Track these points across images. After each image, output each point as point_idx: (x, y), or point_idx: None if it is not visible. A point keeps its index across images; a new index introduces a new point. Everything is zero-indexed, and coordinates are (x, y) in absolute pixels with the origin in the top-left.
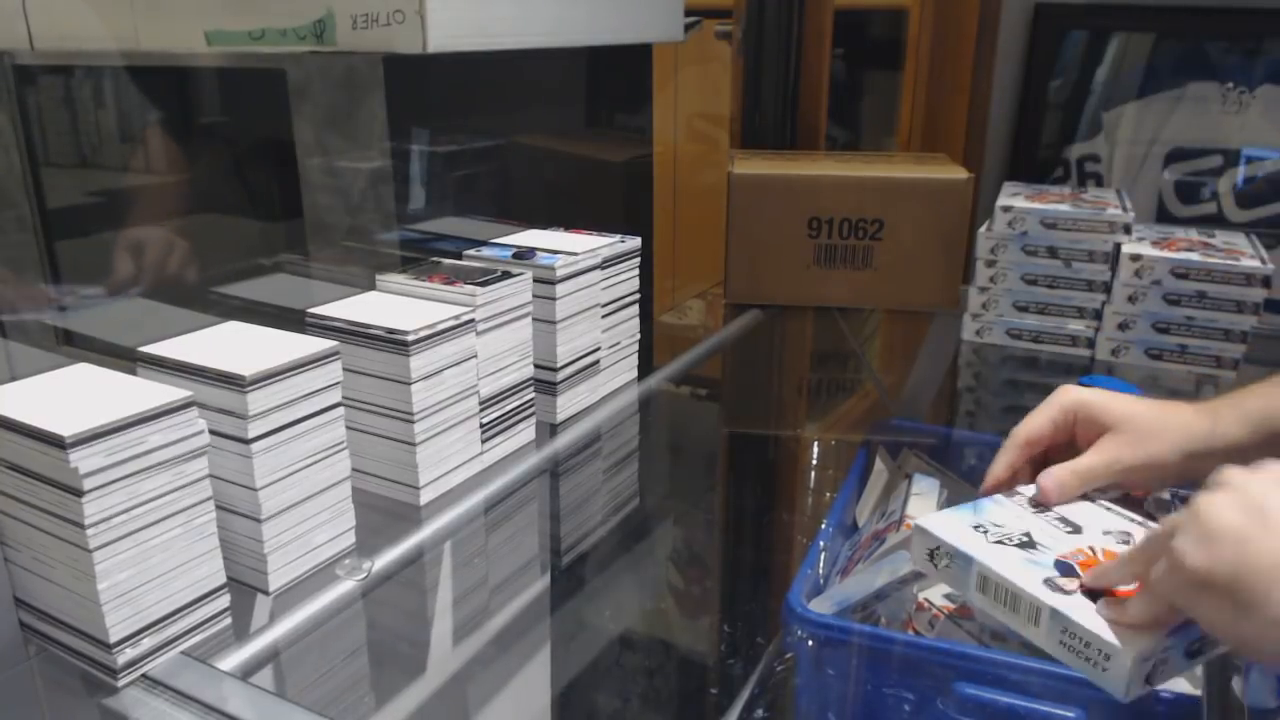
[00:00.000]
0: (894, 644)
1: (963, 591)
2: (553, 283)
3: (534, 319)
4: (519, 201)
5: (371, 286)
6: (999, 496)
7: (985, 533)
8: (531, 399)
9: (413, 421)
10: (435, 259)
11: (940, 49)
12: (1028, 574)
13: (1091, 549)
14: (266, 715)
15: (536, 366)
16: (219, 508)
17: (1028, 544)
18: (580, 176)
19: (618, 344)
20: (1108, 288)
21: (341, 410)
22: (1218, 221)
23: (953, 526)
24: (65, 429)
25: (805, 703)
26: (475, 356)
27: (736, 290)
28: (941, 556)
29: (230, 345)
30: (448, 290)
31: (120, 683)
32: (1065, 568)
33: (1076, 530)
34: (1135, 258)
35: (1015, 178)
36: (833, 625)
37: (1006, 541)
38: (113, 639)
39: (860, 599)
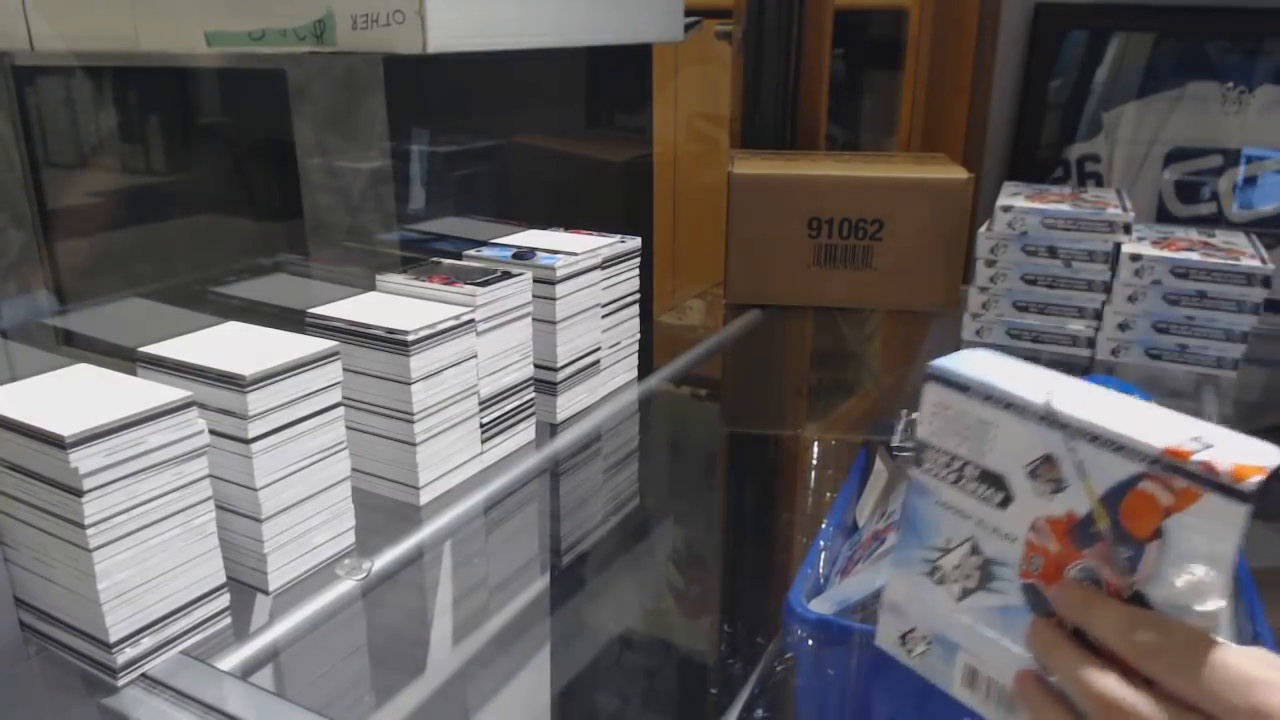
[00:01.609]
0: None
1: (945, 685)
2: (553, 283)
3: (534, 319)
4: (519, 201)
5: (371, 286)
6: (925, 499)
7: (944, 580)
8: (531, 399)
9: (413, 421)
10: (435, 259)
11: (940, 49)
12: (1010, 643)
13: (1038, 531)
14: (266, 715)
15: (536, 366)
16: (219, 508)
17: (984, 571)
18: (580, 176)
19: (618, 344)
20: (1108, 288)
21: (341, 410)
22: (1218, 221)
23: (919, 590)
24: (65, 429)
25: (805, 703)
26: (475, 356)
27: (736, 290)
28: (916, 641)
29: (230, 345)
30: (448, 290)
31: (120, 682)
32: (1034, 595)
33: (1005, 495)
34: (1135, 257)
35: (1015, 178)
36: (833, 625)
37: (969, 584)
38: (112, 638)
39: (860, 599)
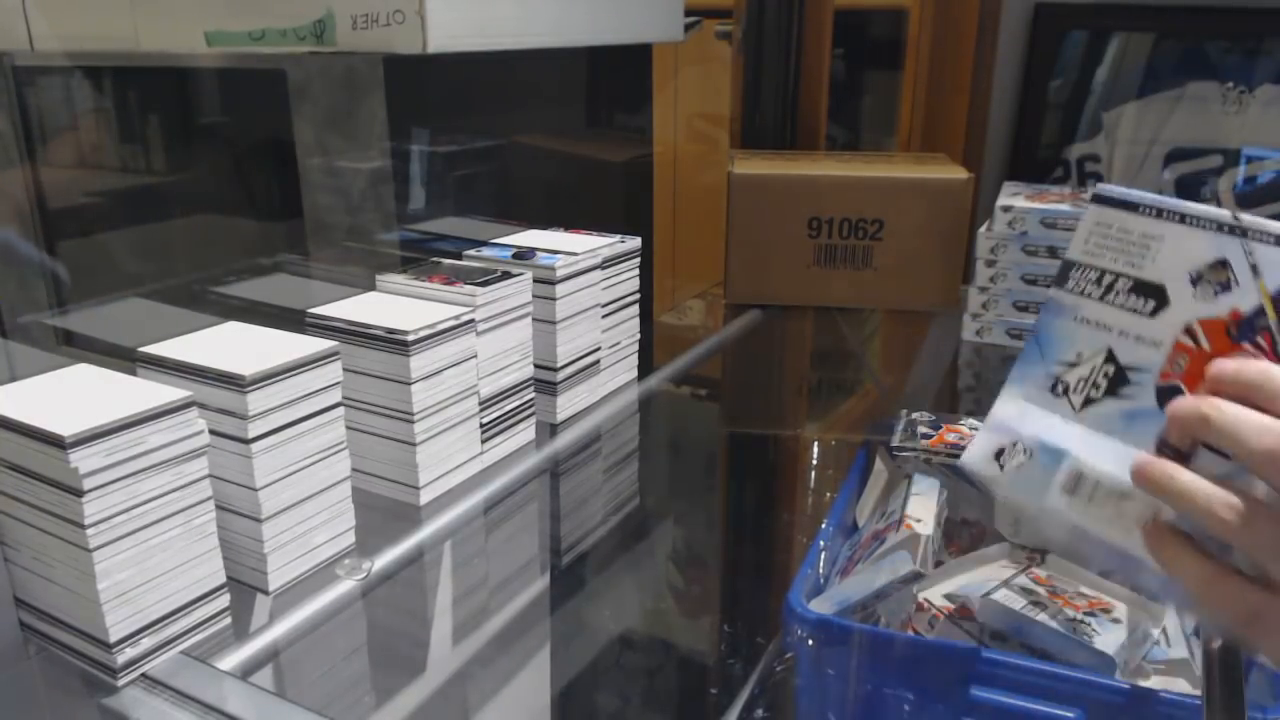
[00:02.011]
0: (894, 644)
1: (1035, 498)
2: (553, 283)
3: (534, 319)
4: (519, 201)
5: (371, 286)
6: (1061, 316)
7: (1067, 391)
8: (531, 399)
9: (413, 421)
10: (435, 259)
11: (940, 49)
12: (1131, 443)
13: (1191, 333)
14: (266, 715)
15: (536, 366)
16: (219, 508)
17: (1117, 378)
18: (580, 176)
19: (618, 344)
20: None
21: (341, 410)
22: None
23: (1035, 403)
24: (65, 429)
25: (805, 703)
26: (475, 356)
27: (736, 290)
28: (1015, 454)
29: (230, 345)
30: (448, 290)
31: (120, 682)
32: (1170, 395)
33: (1159, 302)
34: None
35: (1015, 178)
36: (833, 625)
37: (1095, 393)
38: (112, 639)
39: (860, 599)
